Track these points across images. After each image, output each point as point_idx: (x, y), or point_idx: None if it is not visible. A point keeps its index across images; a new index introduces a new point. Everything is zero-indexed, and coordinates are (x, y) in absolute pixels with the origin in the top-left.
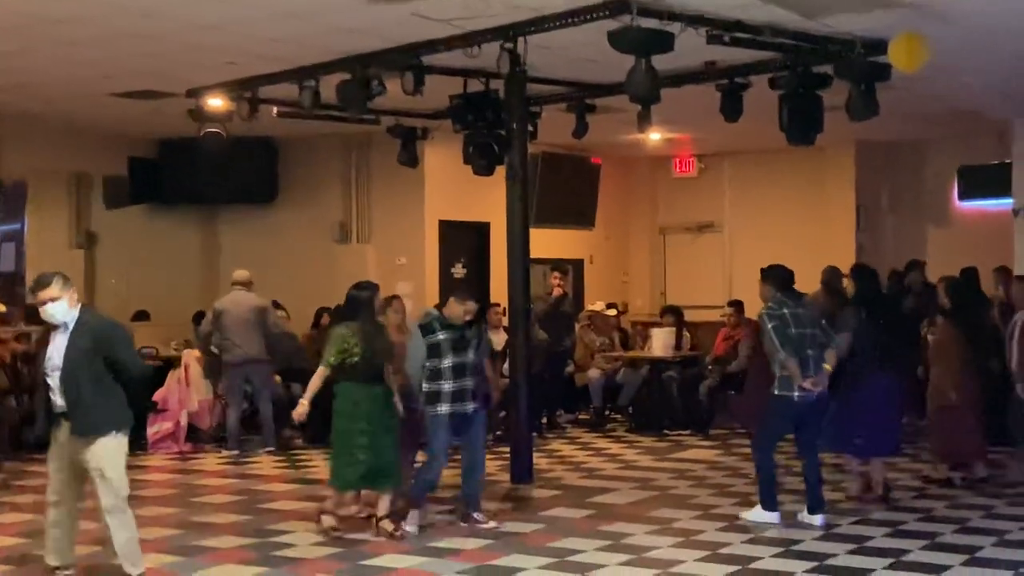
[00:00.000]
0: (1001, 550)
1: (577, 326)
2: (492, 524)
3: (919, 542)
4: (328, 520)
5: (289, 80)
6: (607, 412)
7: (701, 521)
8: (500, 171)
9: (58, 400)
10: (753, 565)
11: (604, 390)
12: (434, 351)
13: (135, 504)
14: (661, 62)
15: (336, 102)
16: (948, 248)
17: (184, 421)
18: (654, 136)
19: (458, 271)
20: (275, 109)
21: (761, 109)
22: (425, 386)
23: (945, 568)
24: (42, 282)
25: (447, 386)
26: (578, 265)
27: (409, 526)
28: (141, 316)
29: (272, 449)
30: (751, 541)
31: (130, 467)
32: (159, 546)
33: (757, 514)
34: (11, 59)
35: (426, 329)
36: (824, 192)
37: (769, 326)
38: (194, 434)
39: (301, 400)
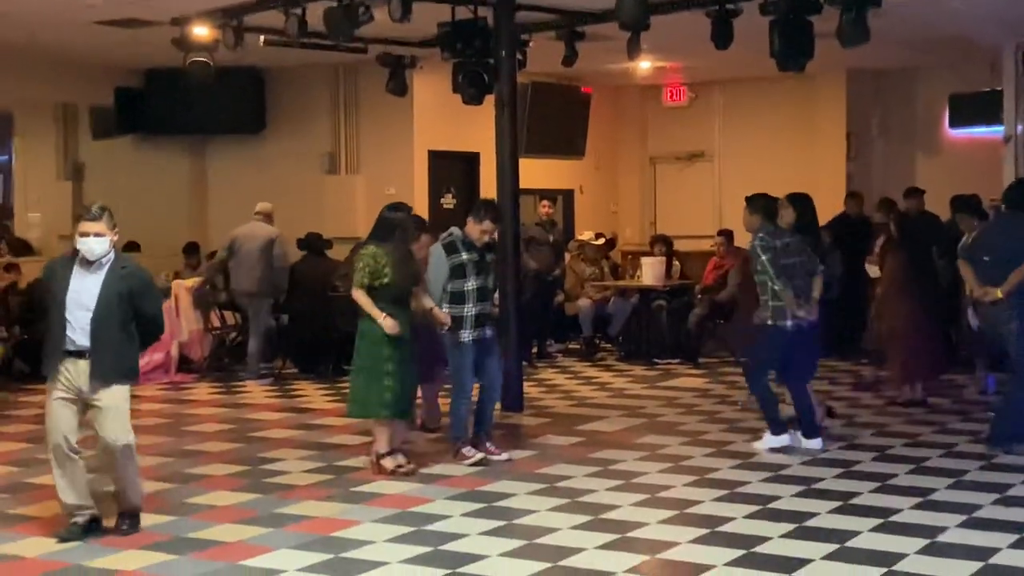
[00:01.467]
0: (987, 473)
1: (567, 256)
2: (505, 456)
3: (906, 466)
4: (390, 462)
5: (275, 7)
6: (597, 341)
7: (689, 447)
8: (489, 100)
9: (79, 339)
10: (741, 489)
11: (594, 319)
12: (458, 272)
13: None
14: None
15: (323, 30)
16: (938, 176)
17: (175, 352)
18: (644, 64)
19: (448, 201)
20: (261, 38)
21: (752, 36)
22: (446, 309)
23: (932, 491)
24: (92, 215)
25: (470, 310)
26: (568, 195)
27: (474, 456)
28: (131, 247)
29: (253, 379)
30: (739, 466)
31: None
32: (152, 473)
33: (769, 441)
34: None
35: (450, 249)
36: (814, 120)
37: (764, 258)
38: (185, 364)
39: (384, 317)
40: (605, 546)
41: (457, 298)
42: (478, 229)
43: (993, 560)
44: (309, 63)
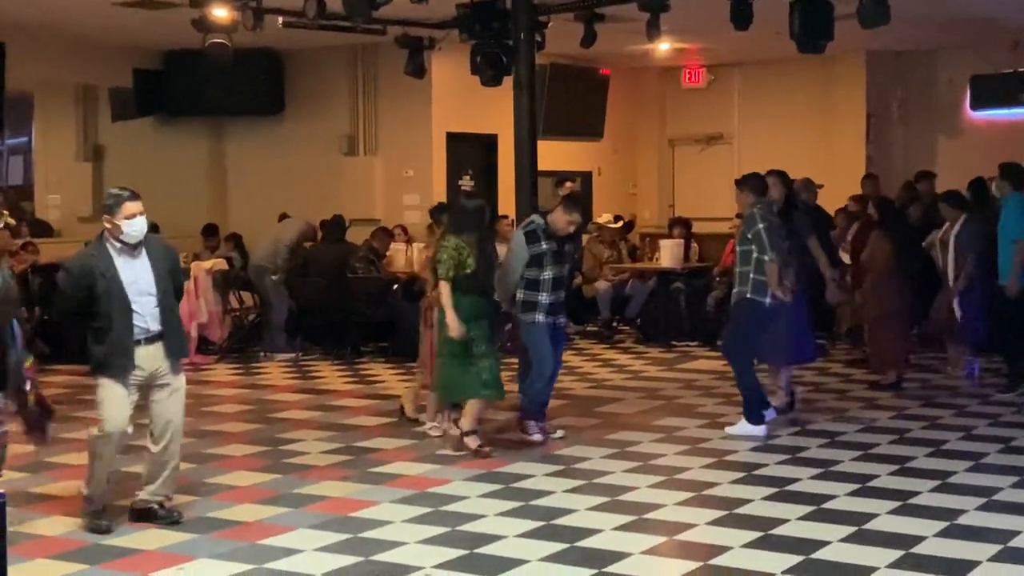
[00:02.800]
0: (1006, 456)
1: (585, 238)
2: (560, 433)
3: (924, 449)
4: (474, 441)
5: None
6: (615, 323)
7: (707, 430)
8: (508, 82)
9: (151, 325)
10: (758, 472)
11: (612, 302)
12: (535, 261)
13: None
14: None
15: (341, 11)
16: (959, 158)
17: (194, 333)
18: (663, 46)
19: (465, 183)
20: (280, 19)
21: (771, 17)
22: (520, 294)
23: (951, 473)
24: (132, 194)
25: (544, 298)
26: (586, 177)
27: (537, 435)
28: (151, 229)
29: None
30: (756, 448)
31: None
32: None
33: (742, 428)
34: None
35: (531, 237)
36: (834, 103)
37: (761, 226)
38: (204, 346)
39: (455, 319)
40: (622, 527)
41: (532, 285)
42: (565, 219)
43: (1012, 543)
44: (328, 45)
